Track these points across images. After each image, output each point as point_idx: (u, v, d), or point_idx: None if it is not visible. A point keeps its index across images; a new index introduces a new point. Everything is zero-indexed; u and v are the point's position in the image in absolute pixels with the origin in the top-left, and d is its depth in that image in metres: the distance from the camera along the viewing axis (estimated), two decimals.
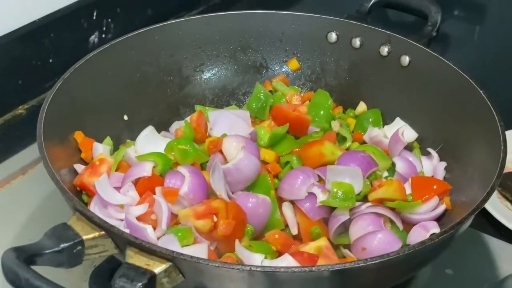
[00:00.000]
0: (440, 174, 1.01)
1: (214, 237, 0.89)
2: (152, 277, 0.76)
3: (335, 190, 0.92)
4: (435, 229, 0.92)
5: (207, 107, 1.15)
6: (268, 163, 1.01)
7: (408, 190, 0.97)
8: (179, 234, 0.86)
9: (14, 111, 1.27)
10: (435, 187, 0.96)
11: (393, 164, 1.02)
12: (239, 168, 0.94)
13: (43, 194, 1.08)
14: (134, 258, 0.77)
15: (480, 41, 1.62)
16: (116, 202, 0.91)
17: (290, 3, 1.65)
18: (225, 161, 0.97)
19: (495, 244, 1.04)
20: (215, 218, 0.89)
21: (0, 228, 1.03)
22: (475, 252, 1.03)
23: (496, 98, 0.99)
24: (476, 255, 1.03)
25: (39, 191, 1.08)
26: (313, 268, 0.77)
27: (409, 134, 1.07)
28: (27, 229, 1.03)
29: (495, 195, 1.09)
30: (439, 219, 0.95)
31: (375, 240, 0.89)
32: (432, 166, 1.02)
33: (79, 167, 0.97)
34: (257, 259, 0.84)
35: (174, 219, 0.91)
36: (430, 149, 1.05)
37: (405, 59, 1.11)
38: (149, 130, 1.03)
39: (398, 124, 1.09)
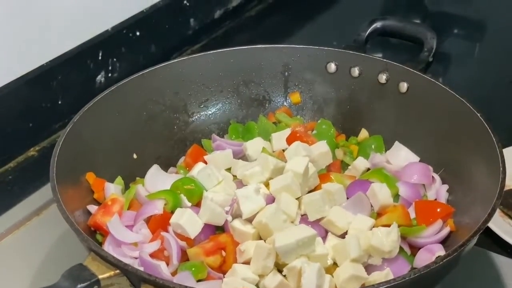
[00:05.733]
0: (443, 197, 1.03)
1: (225, 271, 0.91)
2: None
3: None
4: (441, 251, 0.94)
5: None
6: None
7: (412, 214, 0.99)
8: (193, 269, 0.89)
9: (26, 153, 1.29)
10: (438, 210, 0.98)
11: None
12: None
13: (58, 234, 1.10)
14: None
15: (479, 59, 1.64)
16: (129, 241, 0.93)
17: (290, 34, 1.67)
18: None
19: (502, 262, 1.05)
20: (223, 253, 0.92)
21: (17, 270, 1.06)
22: (482, 271, 1.04)
23: (495, 114, 1.01)
24: (483, 273, 1.04)
25: (54, 231, 1.10)
26: None
27: (410, 158, 1.09)
28: (44, 269, 1.05)
29: (498, 214, 1.11)
30: (444, 241, 0.97)
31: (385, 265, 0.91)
32: (435, 189, 1.04)
33: (92, 208, 0.99)
34: None
35: (186, 255, 0.93)
36: (432, 173, 1.06)
37: (403, 86, 1.13)
38: (155, 169, 1.06)
39: (398, 148, 1.11)
